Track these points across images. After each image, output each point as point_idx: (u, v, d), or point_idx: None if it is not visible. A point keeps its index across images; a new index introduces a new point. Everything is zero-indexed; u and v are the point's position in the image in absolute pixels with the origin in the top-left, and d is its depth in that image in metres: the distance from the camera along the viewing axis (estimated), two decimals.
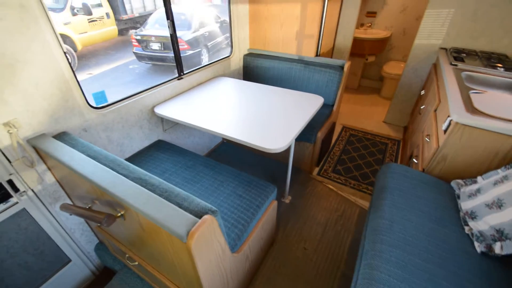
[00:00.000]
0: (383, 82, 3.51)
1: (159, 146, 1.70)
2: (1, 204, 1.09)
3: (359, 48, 3.32)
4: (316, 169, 2.22)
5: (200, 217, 0.71)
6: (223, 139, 2.54)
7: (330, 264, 1.50)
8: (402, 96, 2.69)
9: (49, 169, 1.20)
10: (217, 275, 0.93)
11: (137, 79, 5.43)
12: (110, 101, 1.47)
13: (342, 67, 1.99)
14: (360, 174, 2.16)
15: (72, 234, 1.41)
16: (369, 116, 3.08)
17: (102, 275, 1.66)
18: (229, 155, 2.33)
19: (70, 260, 1.44)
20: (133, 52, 5.56)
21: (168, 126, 1.88)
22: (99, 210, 1.00)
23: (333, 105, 2.11)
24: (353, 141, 2.59)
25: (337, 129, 2.80)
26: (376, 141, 2.60)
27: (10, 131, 1.03)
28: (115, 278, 1.46)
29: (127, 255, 1.19)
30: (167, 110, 1.61)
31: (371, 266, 0.94)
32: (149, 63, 5.89)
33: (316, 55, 2.43)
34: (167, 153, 1.63)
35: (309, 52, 2.36)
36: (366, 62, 3.62)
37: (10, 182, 1.10)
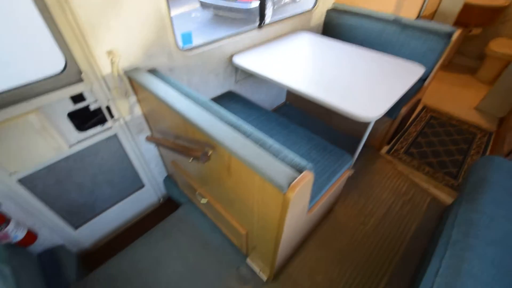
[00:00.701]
0: (484, 62, 2.93)
1: (230, 97, 1.69)
2: (100, 126, 1.21)
3: (466, 16, 2.75)
4: (386, 147, 2.04)
5: (297, 171, 0.68)
6: (286, 100, 2.44)
7: (388, 246, 1.43)
8: (509, 81, 2.23)
9: (138, 101, 1.27)
10: (292, 230, 0.93)
11: (201, 27, 5.41)
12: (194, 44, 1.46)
13: (450, 35, 1.66)
14: (437, 162, 1.93)
15: (148, 164, 1.54)
16: (457, 99, 2.66)
17: (165, 204, 1.84)
18: (291, 117, 2.26)
19: (143, 185, 1.61)
20: (199, 0, 5.46)
21: (240, 78, 1.84)
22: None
23: (425, 79, 1.83)
24: (434, 124, 2.29)
25: (418, 108, 2.48)
26: (462, 128, 2.26)
27: (112, 60, 1.08)
28: (180, 209, 1.60)
29: (197, 192, 1.27)
30: (245, 60, 1.56)
31: (460, 258, 0.85)
32: (213, 13, 5.76)
33: (418, 17, 2.07)
34: (239, 104, 1.61)
35: (409, 12, 2.01)
36: (468, 35, 3.02)
37: (108, 108, 1.19)
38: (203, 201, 1.28)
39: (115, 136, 1.29)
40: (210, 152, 0.89)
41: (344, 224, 1.53)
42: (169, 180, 1.70)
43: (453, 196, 1.73)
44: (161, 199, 1.82)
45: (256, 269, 1.35)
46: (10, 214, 1.08)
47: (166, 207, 1.82)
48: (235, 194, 0.96)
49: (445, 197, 1.72)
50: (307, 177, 0.66)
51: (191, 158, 0.87)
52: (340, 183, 1.26)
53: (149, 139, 1.17)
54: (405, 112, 1.74)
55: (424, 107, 2.51)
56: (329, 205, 1.44)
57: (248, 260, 1.38)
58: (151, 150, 1.51)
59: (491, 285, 0.77)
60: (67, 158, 1.16)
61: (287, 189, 0.63)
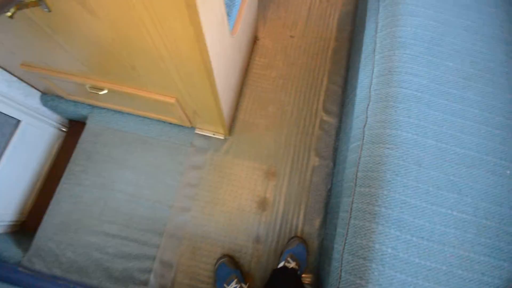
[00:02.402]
0: None
1: None
2: None
3: None
4: None
5: None
6: None
7: (320, 46, 1.38)
8: None
9: None
10: (222, 59, 0.72)
11: None
12: None
13: None
14: None
15: (5, 95, 1.03)
16: None
17: (72, 129, 1.44)
18: None
19: (19, 121, 1.15)
20: None
21: None
22: None
23: None
24: None
25: None
26: None
27: None
28: (89, 121, 1.25)
29: (87, 86, 0.91)
30: None
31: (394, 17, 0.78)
32: None
33: None
34: None
35: None
36: None
37: None
38: (103, 93, 0.94)
39: None
40: None
41: (274, 47, 1.37)
42: (49, 97, 1.24)
43: None
44: (63, 126, 1.40)
45: (209, 134, 1.24)
46: None
47: (76, 131, 1.43)
48: (131, 58, 0.66)
49: None
50: None
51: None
52: None
53: None
54: None
55: None
56: (251, 29, 1.21)
57: (197, 131, 1.24)
58: None
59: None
60: None
61: None
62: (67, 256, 1.04)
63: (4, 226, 1.19)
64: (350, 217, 0.67)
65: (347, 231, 0.67)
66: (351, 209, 0.68)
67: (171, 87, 0.84)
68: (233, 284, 0.99)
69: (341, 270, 0.65)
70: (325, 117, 1.26)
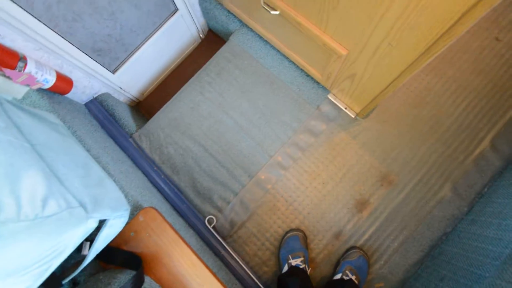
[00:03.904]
0: None
1: None
2: None
3: None
4: None
5: None
6: None
7: None
8: None
9: None
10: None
11: None
12: None
13: None
14: None
15: None
16: None
17: (207, 39, 1.45)
18: None
19: (177, 9, 1.17)
20: None
21: None
22: None
23: None
24: None
25: None
26: None
27: None
28: (233, 37, 1.20)
29: (262, 1, 0.83)
30: None
31: None
32: None
33: None
34: None
35: None
36: None
37: None
38: (274, 13, 0.85)
39: None
40: None
41: (469, 42, 1.08)
42: (208, 1, 1.22)
43: None
44: (201, 34, 1.41)
45: (341, 105, 1.09)
46: (21, 49, 0.78)
47: (210, 43, 1.43)
48: None
49: None
50: None
51: None
52: None
53: None
54: None
55: None
56: None
57: (330, 96, 1.11)
58: None
59: None
60: None
61: None
62: (168, 149, 1.10)
63: (127, 98, 1.31)
64: None
65: None
66: None
67: (358, 37, 0.70)
68: (298, 260, 0.93)
69: None
70: (488, 153, 0.99)
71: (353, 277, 0.89)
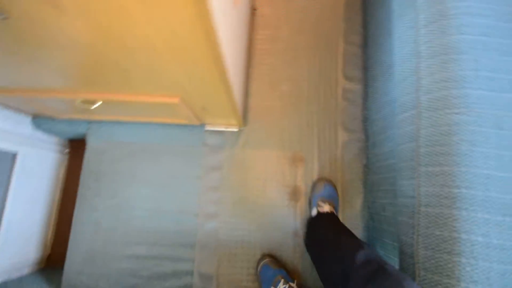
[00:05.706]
0: None
1: None
2: None
3: None
4: None
5: None
6: None
7: (327, 1, 1.19)
8: None
9: None
10: (229, 37, 0.57)
11: None
12: None
13: None
14: None
15: None
16: None
17: (74, 149, 1.34)
18: None
19: (15, 153, 1.04)
20: None
21: None
22: None
23: None
24: None
25: None
26: None
27: None
28: (88, 141, 1.13)
29: (78, 101, 0.78)
30: None
31: None
32: None
33: None
34: None
35: None
36: None
37: None
38: (97, 105, 0.82)
39: None
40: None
41: (275, 15, 1.20)
42: (40, 121, 1.12)
43: None
44: (64, 148, 1.30)
45: (221, 128, 1.11)
46: None
47: (79, 149, 1.32)
48: (123, 60, 0.52)
49: None
50: None
51: None
52: None
53: None
54: None
55: None
56: None
57: (207, 127, 1.11)
58: None
59: None
60: None
61: None
62: (101, 287, 0.97)
63: (29, 266, 1.13)
64: (420, 204, 0.56)
65: (418, 221, 0.56)
66: (418, 194, 0.56)
67: (172, 85, 0.71)
68: (281, 285, 0.91)
69: (418, 268, 0.55)
70: (348, 85, 1.11)
71: (327, 206, 0.92)
